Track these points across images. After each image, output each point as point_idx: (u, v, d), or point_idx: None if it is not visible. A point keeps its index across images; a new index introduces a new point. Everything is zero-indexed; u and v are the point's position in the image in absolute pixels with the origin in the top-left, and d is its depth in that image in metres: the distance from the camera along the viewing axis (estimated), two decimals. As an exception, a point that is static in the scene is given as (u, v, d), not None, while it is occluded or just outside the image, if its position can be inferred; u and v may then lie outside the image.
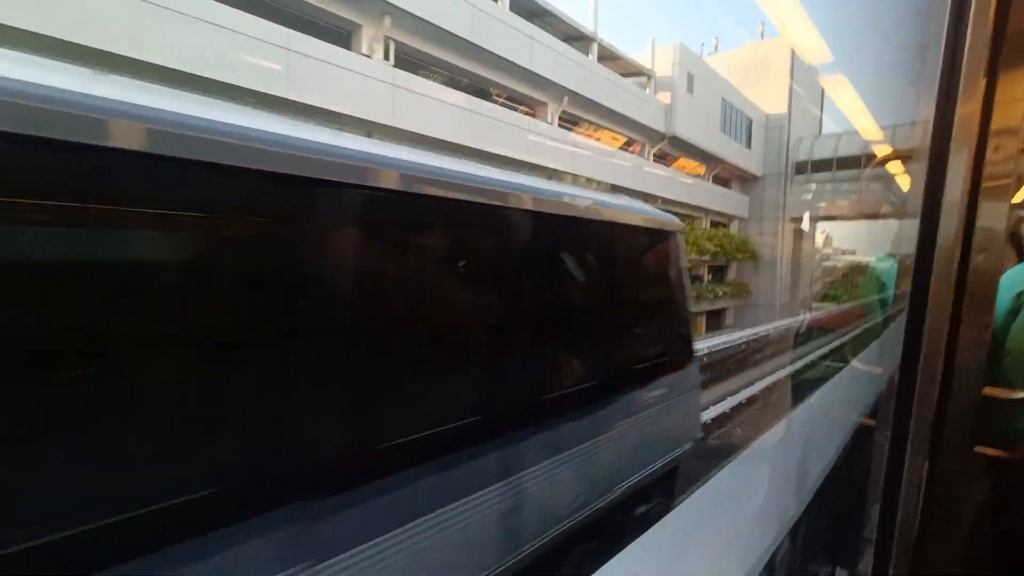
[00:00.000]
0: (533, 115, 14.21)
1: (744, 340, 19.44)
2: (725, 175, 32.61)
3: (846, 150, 31.53)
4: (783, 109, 36.10)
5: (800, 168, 34.43)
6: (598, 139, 18.97)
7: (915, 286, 0.87)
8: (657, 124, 20.91)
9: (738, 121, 30.71)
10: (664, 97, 21.78)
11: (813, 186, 34.01)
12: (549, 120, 14.24)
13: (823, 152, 32.97)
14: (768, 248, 33.62)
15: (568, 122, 17.62)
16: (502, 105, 13.49)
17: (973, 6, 0.76)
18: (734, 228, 33.46)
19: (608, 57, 19.91)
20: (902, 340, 0.88)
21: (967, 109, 0.80)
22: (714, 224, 31.18)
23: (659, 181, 20.36)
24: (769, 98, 34.70)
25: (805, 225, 41.93)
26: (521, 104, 14.41)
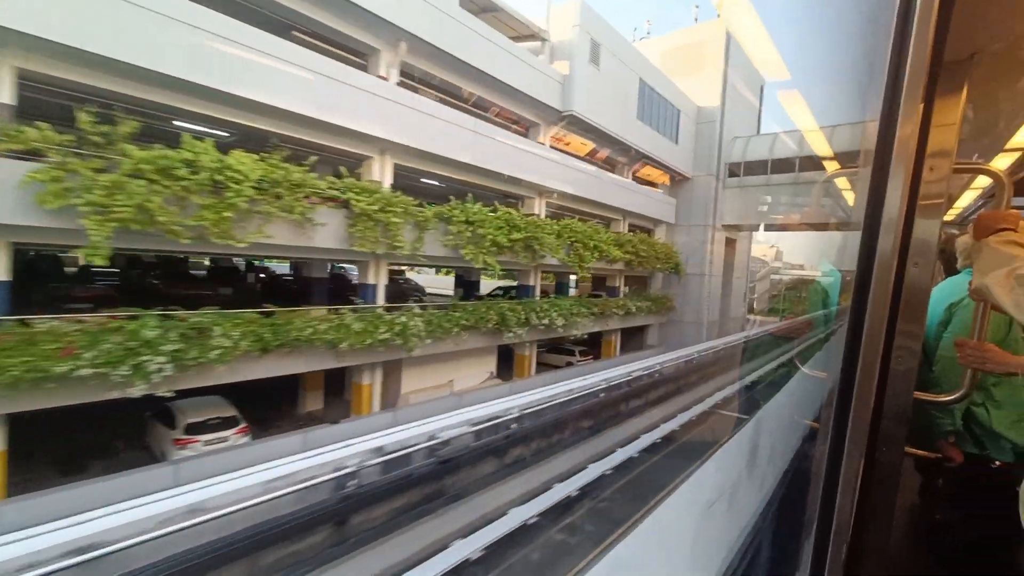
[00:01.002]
0: (365, 67, 12.00)
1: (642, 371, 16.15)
2: (651, 174, 28.32)
3: (782, 151, 26.90)
4: (717, 101, 30.41)
5: (733, 170, 28.81)
6: (471, 109, 16.11)
7: (856, 296, 0.92)
8: (550, 98, 17.04)
9: (662, 110, 25.37)
10: (561, 67, 17.77)
11: (749, 191, 28.68)
12: (383, 73, 12.31)
13: (758, 153, 27.98)
14: (697, 258, 28.77)
15: (430, 88, 14.86)
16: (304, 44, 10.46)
17: (914, 34, 0.81)
18: (661, 234, 29.03)
19: (486, 9, 16.51)
20: (843, 347, 0.93)
21: (906, 131, 0.85)
22: (636, 229, 26.73)
23: (553, 169, 17.26)
24: (704, 89, 29.69)
25: (740, 235, 36.54)
26: (335, 47, 12.11)
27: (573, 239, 17.22)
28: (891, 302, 0.95)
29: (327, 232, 10.26)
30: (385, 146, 11.85)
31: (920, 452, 2.05)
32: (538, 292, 17.53)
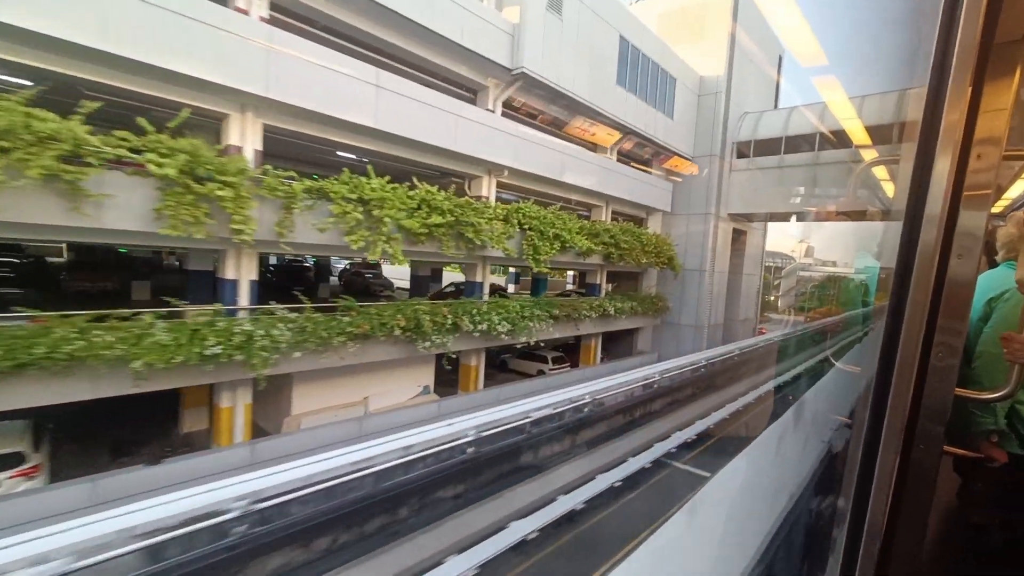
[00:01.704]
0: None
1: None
2: (645, 154, 23.86)
3: (800, 127, 22.76)
4: (723, 69, 25.03)
5: (742, 151, 24.48)
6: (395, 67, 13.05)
7: (895, 289, 0.89)
8: (495, 53, 13.89)
9: (652, 77, 21.32)
10: (512, 14, 14.45)
11: (760, 174, 24.12)
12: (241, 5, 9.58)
13: (772, 130, 23.67)
14: (697, 252, 24.44)
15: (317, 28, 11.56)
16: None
17: (963, 13, 0.77)
18: (656, 225, 24.75)
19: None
20: (880, 342, 0.90)
21: (952, 117, 0.82)
22: (624, 218, 23.06)
23: (502, 141, 14.41)
24: (711, 58, 25.10)
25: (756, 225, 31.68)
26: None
27: (526, 226, 14.65)
28: (932, 296, 0.92)
29: (123, 208, 7.72)
30: (247, 100, 9.46)
31: (960, 451, 1.98)
32: (487, 290, 15.38)
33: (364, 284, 26.14)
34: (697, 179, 24.20)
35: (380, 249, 10.66)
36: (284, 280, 23.73)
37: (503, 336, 13.98)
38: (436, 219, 11.56)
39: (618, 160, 21.72)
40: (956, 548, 2.10)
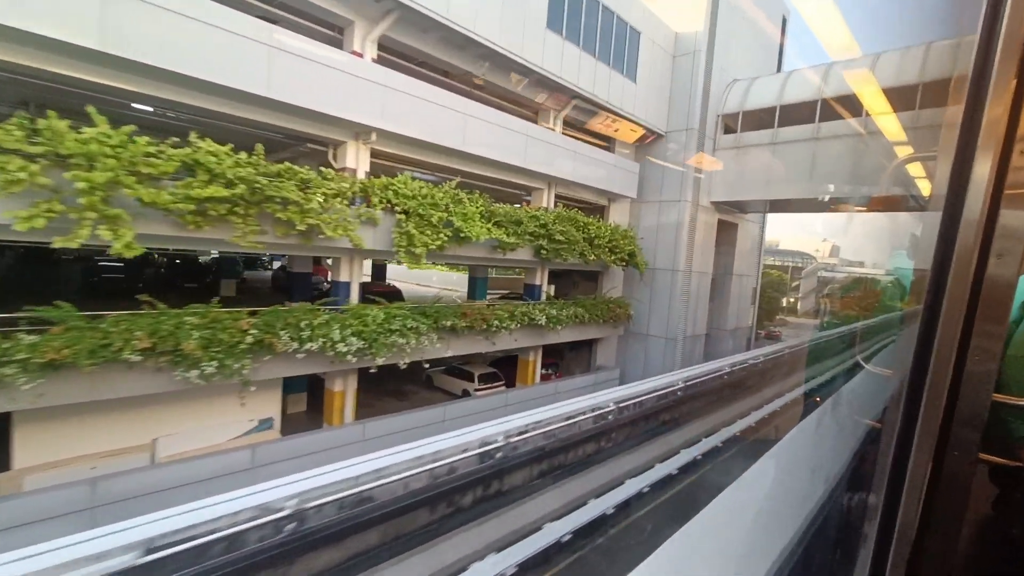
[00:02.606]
0: None
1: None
2: (609, 128, 19.99)
3: (800, 92, 18.99)
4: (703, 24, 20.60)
5: (730, 125, 20.78)
6: None
7: (931, 289, 0.87)
8: None
9: (604, 25, 17.27)
10: None
11: (753, 153, 20.02)
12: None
13: (764, 97, 19.85)
14: (669, 247, 20.66)
15: None
16: None
17: (1008, 6, 0.75)
18: (622, 214, 21.39)
19: None
20: (914, 344, 0.88)
21: (995, 112, 0.79)
22: (573, 204, 20.09)
23: (375, 95, 11.43)
24: (690, 12, 20.64)
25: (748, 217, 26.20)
26: None
27: (399, 208, 11.80)
28: (970, 297, 0.90)
29: None
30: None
31: (998, 459, 1.92)
32: (355, 292, 12.71)
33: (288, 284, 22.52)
34: (673, 160, 20.79)
35: (85, 232, 7.41)
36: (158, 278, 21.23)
37: (349, 358, 11.02)
38: (213, 191, 8.44)
39: (572, 136, 18.72)
40: (990, 560, 2.04)
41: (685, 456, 12.27)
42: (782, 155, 18.86)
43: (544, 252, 15.83)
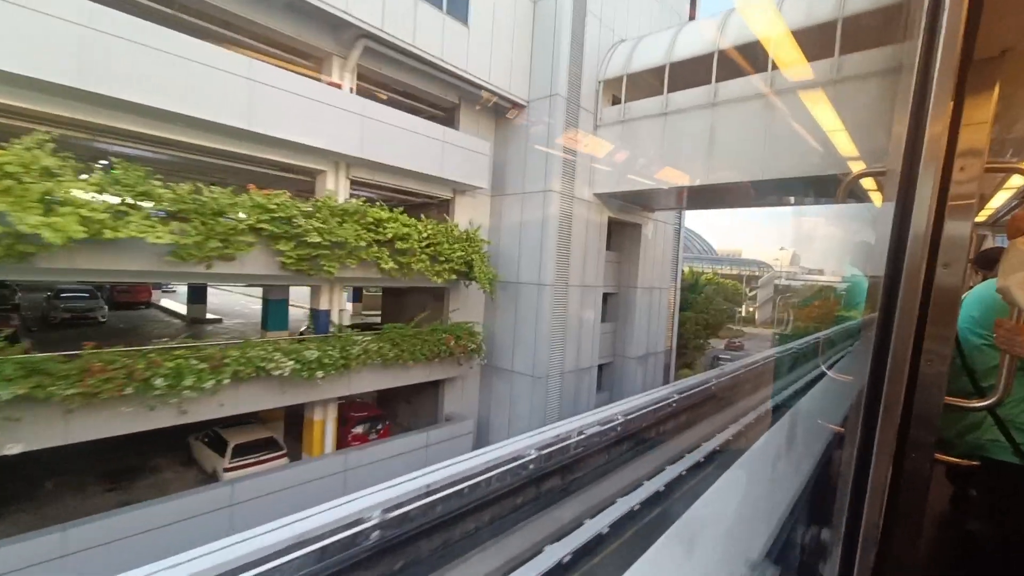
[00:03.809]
0: None
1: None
2: (444, 99, 16.24)
3: (694, 48, 15.38)
4: None
5: (615, 95, 16.82)
6: None
7: (884, 298, 0.92)
8: None
9: None
10: None
11: (644, 128, 15.67)
12: None
13: (652, 56, 15.88)
14: (532, 254, 16.27)
15: None
16: None
17: (943, 31, 0.81)
18: (475, 211, 16.73)
19: None
20: (871, 350, 0.93)
21: (936, 130, 0.85)
22: (394, 197, 16.49)
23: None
24: None
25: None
26: None
27: None
28: (920, 304, 0.95)
29: None
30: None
31: (952, 459, 2.02)
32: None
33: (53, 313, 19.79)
34: (537, 139, 16.30)
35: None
36: None
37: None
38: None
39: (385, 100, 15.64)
40: (951, 555, 2.13)
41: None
42: (676, 129, 14.99)
43: (289, 261, 11.12)
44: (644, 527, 9.68)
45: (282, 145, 11.23)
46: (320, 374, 11.75)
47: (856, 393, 1.20)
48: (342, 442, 13.91)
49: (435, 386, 16.25)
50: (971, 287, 2.71)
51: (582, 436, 10.75)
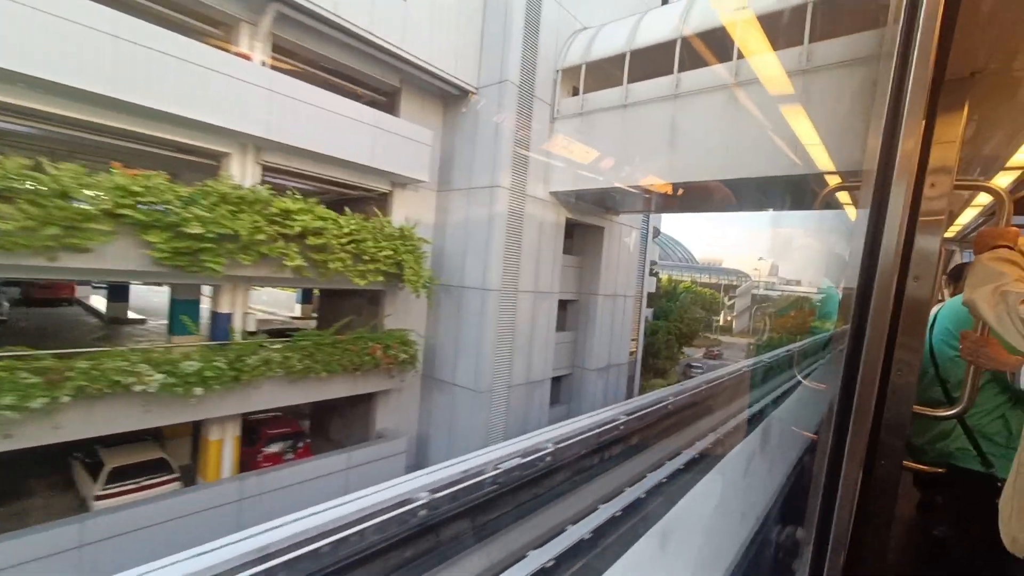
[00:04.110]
0: None
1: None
2: (392, 86, 14.78)
3: (658, 34, 14.12)
4: None
5: (574, 86, 15.50)
6: None
7: (857, 309, 0.95)
8: None
9: None
10: None
11: (603, 122, 14.37)
12: None
13: (613, 44, 14.66)
14: (478, 256, 14.78)
15: None
16: None
17: (916, 51, 0.85)
18: (418, 206, 15.07)
19: None
20: (844, 359, 0.96)
21: (908, 147, 0.88)
22: (324, 187, 14.33)
23: None
24: None
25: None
26: None
27: None
28: (892, 315, 0.98)
29: None
30: None
31: (919, 466, 2.08)
32: None
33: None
34: (486, 129, 14.75)
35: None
36: None
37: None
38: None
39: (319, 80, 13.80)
40: (918, 560, 2.19)
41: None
42: (636, 123, 13.71)
43: (161, 255, 9.40)
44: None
45: (167, 120, 9.21)
46: (199, 390, 9.85)
47: (829, 401, 1.24)
48: (251, 464, 12.05)
49: (368, 400, 14.46)
50: (940, 301, 2.82)
51: (497, 471, 8.76)
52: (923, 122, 1.00)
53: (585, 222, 17.58)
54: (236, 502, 10.51)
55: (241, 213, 9.91)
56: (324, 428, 15.54)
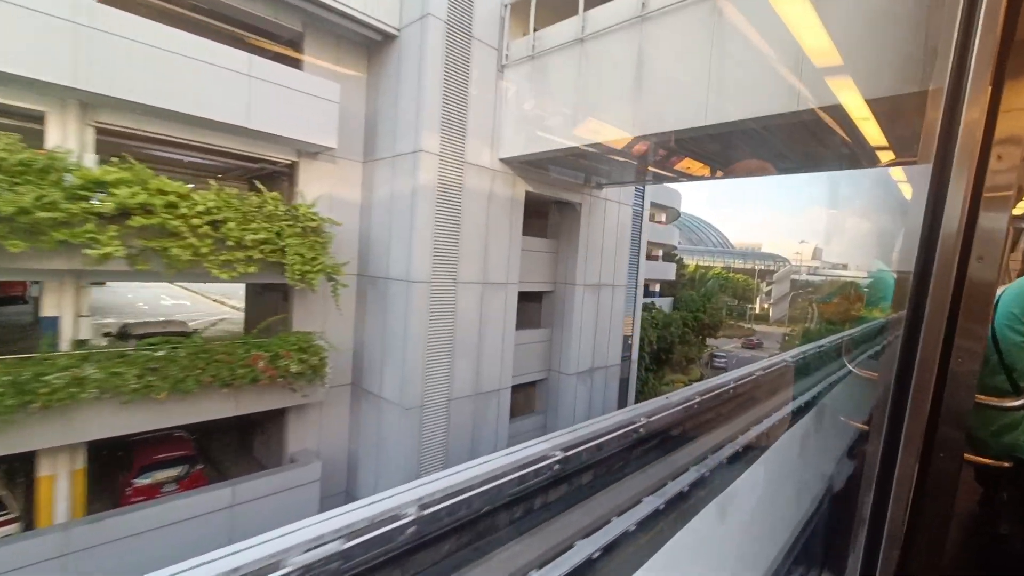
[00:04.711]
0: None
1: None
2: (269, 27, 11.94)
3: None
4: None
5: (524, 26, 12.57)
6: None
7: (914, 292, 0.89)
8: None
9: None
10: None
11: (558, 67, 10.73)
12: None
13: None
14: (403, 241, 11.82)
15: None
16: None
17: (982, 13, 0.77)
18: (335, 181, 12.22)
19: None
20: (899, 346, 0.91)
21: (972, 116, 0.82)
22: (237, 168, 13.08)
23: None
24: None
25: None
26: None
27: None
28: (952, 299, 0.91)
29: None
30: None
31: (983, 460, 1.96)
32: None
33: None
34: (398, 79, 12.29)
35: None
36: None
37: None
38: None
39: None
40: (978, 558, 2.07)
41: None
42: (595, 60, 10.57)
43: None
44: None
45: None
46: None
47: (882, 390, 1.18)
48: (121, 499, 10.00)
49: (279, 416, 12.13)
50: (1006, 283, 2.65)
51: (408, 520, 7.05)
52: (990, 89, 0.92)
53: (557, 197, 14.71)
54: (56, 558, 8.00)
55: (22, 183, 7.30)
56: (251, 447, 13.18)
